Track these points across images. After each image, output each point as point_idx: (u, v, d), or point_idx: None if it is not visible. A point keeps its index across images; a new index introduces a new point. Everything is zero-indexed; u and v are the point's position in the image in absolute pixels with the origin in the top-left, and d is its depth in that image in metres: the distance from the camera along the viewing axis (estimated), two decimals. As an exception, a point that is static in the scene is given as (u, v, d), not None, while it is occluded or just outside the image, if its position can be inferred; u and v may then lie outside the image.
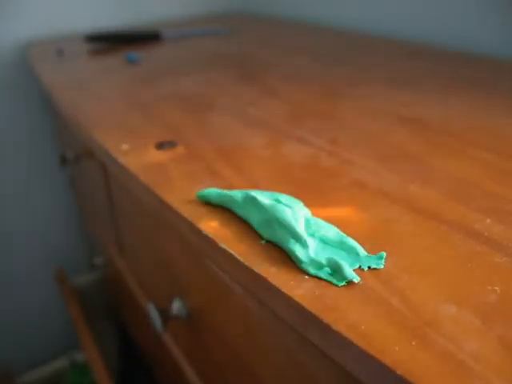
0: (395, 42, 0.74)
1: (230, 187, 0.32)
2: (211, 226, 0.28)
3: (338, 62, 0.64)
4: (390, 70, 0.59)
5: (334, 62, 0.65)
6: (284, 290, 0.22)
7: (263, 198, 0.27)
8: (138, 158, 0.38)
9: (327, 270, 0.23)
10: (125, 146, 0.40)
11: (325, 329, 0.20)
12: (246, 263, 0.24)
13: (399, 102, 0.47)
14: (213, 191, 0.30)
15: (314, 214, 0.28)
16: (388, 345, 0.18)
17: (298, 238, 0.24)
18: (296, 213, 0.26)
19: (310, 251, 0.24)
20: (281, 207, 0.26)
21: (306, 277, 0.23)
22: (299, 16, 1.01)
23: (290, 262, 0.24)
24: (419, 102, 0.47)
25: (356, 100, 0.49)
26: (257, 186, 0.32)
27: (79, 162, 0.78)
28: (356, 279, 0.22)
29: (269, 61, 0.67)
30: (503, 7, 0.62)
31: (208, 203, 0.30)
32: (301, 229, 0.25)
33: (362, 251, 0.24)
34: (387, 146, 0.38)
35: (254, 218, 0.27)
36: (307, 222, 0.26)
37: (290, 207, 0.26)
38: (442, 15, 0.70)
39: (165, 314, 0.42)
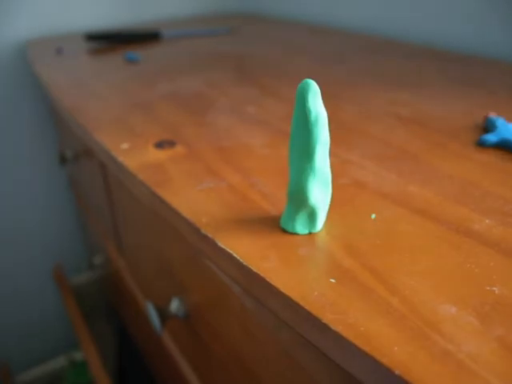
0: (395, 42, 0.74)
1: (229, 187, 0.32)
2: (210, 225, 0.28)
3: (338, 61, 0.64)
4: (390, 70, 0.59)
5: (333, 61, 0.65)
6: (283, 289, 0.22)
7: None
8: (138, 157, 0.38)
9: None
10: (124, 145, 0.40)
11: (324, 329, 0.20)
12: (245, 263, 0.24)
13: (399, 102, 0.47)
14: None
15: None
16: (387, 345, 0.18)
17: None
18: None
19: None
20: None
21: (306, 276, 0.23)
22: (299, 16, 1.01)
23: (290, 261, 0.24)
24: (419, 102, 0.47)
25: (356, 100, 0.49)
26: (256, 186, 0.32)
27: (78, 160, 0.78)
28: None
29: (269, 61, 0.67)
30: (504, 8, 0.62)
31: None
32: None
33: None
34: (387, 146, 0.38)
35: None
36: None
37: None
38: (442, 15, 0.70)
39: (163, 313, 0.42)
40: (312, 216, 0.26)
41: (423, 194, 0.30)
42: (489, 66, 0.58)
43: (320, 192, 0.26)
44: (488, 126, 0.39)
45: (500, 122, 0.38)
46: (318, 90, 0.24)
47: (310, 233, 0.27)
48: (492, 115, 0.40)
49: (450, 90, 0.50)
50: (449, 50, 0.67)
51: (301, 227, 0.26)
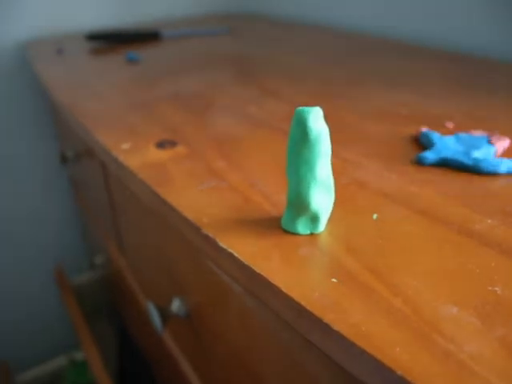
0: (395, 42, 0.74)
1: (230, 187, 0.32)
2: (211, 225, 0.28)
3: (338, 62, 0.64)
4: (390, 70, 0.59)
5: (333, 62, 0.65)
6: (284, 289, 0.22)
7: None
8: (139, 156, 0.38)
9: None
10: (125, 145, 0.40)
11: (325, 329, 0.20)
12: (247, 263, 0.24)
13: (399, 101, 0.47)
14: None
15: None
16: (389, 345, 0.18)
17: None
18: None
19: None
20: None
21: (308, 276, 0.23)
22: (299, 16, 1.01)
23: (291, 261, 0.24)
24: (419, 102, 0.47)
25: (356, 100, 0.49)
26: (257, 186, 0.32)
27: (79, 160, 0.78)
28: None
29: (269, 61, 0.67)
30: (504, 8, 0.62)
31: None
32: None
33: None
34: (387, 145, 0.38)
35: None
36: None
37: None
38: (443, 15, 0.70)
39: (164, 313, 0.42)
40: (314, 219, 0.26)
41: (424, 194, 0.30)
42: (489, 66, 0.58)
43: (322, 198, 0.26)
44: (424, 142, 0.37)
45: (436, 136, 0.36)
46: (320, 111, 0.24)
47: (312, 233, 0.27)
48: (425, 129, 0.38)
49: (449, 90, 0.50)
50: (449, 50, 0.67)
51: (302, 228, 0.26)
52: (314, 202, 0.25)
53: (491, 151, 0.34)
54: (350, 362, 0.20)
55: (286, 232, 0.27)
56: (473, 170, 0.32)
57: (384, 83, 0.54)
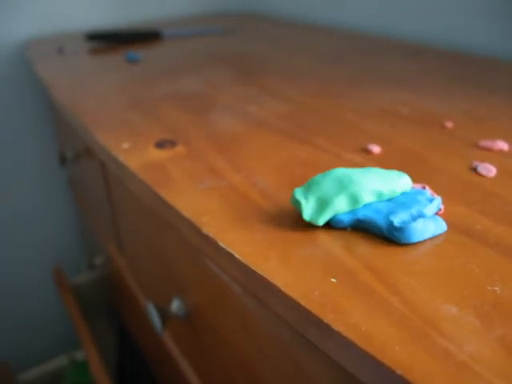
0: (395, 42, 0.74)
1: (230, 186, 0.32)
2: (211, 225, 0.28)
3: (338, 61, 0.64)
4: (390, 70, 0.59)
5: (334, 61, 0.64)
6: (284, 289, 0.22)
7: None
8: (138, 156, 0.38)
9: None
10: (125, 145, 0.40)
11: (325, 329, 0.20)
12: (246, 262, 0.24)
13: (399, 101, 0.47)
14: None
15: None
16: (388, 345, 0.18)
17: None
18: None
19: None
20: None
21: (307, 276, 0.23)
22: (299, 16, 1.01)
23: (291, 261, 0.24)
24: (419, 101, 0.47)
25: (356, 100, 0.49)
26: (257, 185, 0.32)
27: (79, 160, 0.78)
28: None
29: (269, 60, 0.67)
30: (505, 8, 0.62)
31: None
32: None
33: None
34: (388, 145, 0.38)
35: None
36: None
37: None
38: (442, 15, 0.70)
39: (164, 314, 0.42)
40: (321, 206, 0.27)
41: (424, 193, 0.30)
42: (489, 65, 0.58)
43: (344, 202, 0.27)
44: None
45: None
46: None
47: (311, 221, 0.26)
48: None
49: (450, 90, 0.50)
50: (449, 50, 0.67)
51: (306, 205, 0.27)
52: (335, 205, 0.26)
53: (437, 203, 0.27)
54: (350, 362, 0.20)
55: (294, 203, 0.27)
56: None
57: (384, 82, 0.54)
